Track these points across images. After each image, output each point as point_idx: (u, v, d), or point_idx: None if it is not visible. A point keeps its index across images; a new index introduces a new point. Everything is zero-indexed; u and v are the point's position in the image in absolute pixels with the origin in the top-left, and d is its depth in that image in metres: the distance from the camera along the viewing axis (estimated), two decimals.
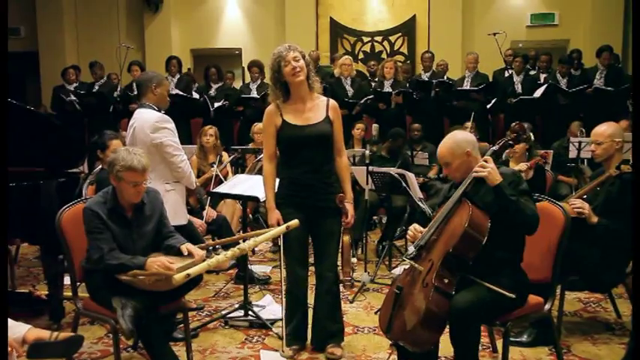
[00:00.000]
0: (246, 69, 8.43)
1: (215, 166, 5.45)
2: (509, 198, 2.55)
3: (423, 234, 2.71)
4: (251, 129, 6.74)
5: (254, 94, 7.80)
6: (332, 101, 3.14)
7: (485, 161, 2.63)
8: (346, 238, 3.07)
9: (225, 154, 5.95)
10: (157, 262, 2.77)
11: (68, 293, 3.32)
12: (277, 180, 3.20)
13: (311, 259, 3.25)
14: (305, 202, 3.06)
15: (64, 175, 3.87)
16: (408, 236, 2.80)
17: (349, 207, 3.11)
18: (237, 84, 9.41)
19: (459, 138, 2.73)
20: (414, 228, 2.76)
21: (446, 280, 2.51)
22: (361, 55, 10.20)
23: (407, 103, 7.52)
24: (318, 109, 3.08)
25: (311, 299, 3.25)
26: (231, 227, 5.09)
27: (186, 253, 2.93)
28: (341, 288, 3.62)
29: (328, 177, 3.08)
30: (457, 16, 9.81)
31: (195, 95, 7.97)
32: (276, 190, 3.16)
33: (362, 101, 7.40)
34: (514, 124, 4.67)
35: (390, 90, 7.47)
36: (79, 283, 3.04)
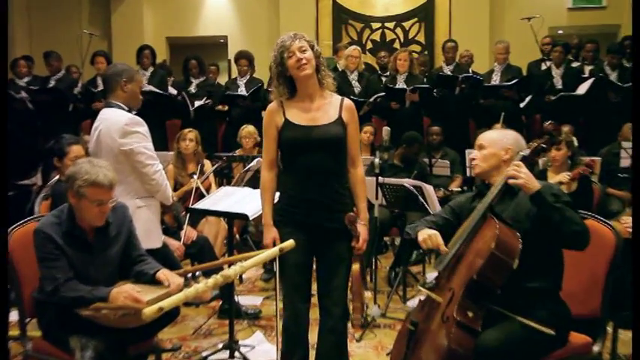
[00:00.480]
0: (232, 61, 8.47)
1: (195, 177, 5.47)
2: (552, 205, 2.54)
3: (441, 258, 2.71)
4: (238, 132, 6.78)
5: (242, 90, 7.84)
6: (347, 101, 3.14)
7: (518, 166, 2.64)
8: (355, 267, 3.04)
9: (207, 163, 5.97)
10: (122, 293, 2.77)
11: (15, 332, 3.30)
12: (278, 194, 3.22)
13: (313, 288, 3.23)
14: (308, 221, 3.05)
15: (13, 188, 3.88)
16: (421, 243, 2.79)
17: (362, 229, 3.08)
18: (223, 79, 9.43)
19: (512, 134, 2.85)
20: (435, 236, 2.75)
21: (470, 314, 2.49)
22: (370, 45, 10.26)
23: (424, 101, 7.56)
24: (328, 108, 3.10)
25: (312, 338, 3.18)
26: (214, 250, 5.09)
27: (161, 282, 2.93)
28: (348, 326, 3.57)
29: (338, 191, 3.08)
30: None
31: (172, 92, 8.00)
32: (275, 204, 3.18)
33: (371, 100, 7.44)
34: (547, 123, 4.68)
35: (404, 86, 7.50)
36: (28, 320, 3.04)
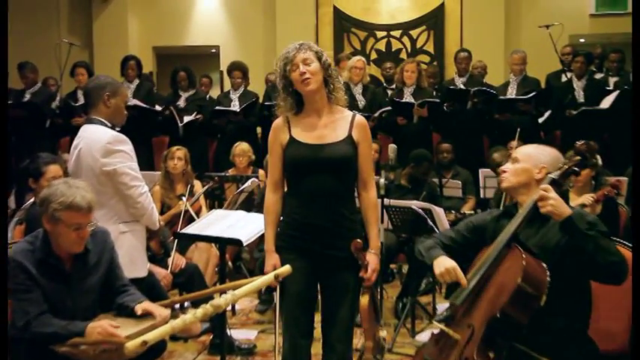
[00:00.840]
0: (224, 73, 8.52)
1: (184, 198, 5.48)
2: (585, 233, 2.50)
3: (459, 291, 2.69)
4: (231, 150, 6.81)
5: (235, 105, 7.87)
6: (359, 117, 3.15)
7: (546, 190, 2.62)
8: (364, 301, 3.00)
9: (197, 184, 5.99)
10: (97, 327, 2.75)
11: None
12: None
13: (317, 320, 3.21)
14: (312, 248, 3.06)
15: None
16: (438, 277, 2.78)
17: (371, 259, 3.08)
18: (214, 92, 9.48)
19: (551, 152, 2.85)
20: (454, 269, 2.74)
21: (492, 355, 2.47)
22: (374, 55, 10.34)
23: (434, 116, 7.60)
24: (338, 125, 3.12)
25: None
26: (204, 279, 5.08)
27: (145, 315, 2.92)
28: None
29: (346, 216, 3.09)
30: (498, 4, 9.97)
31: (159, 107, 8.04)
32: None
33: (376, 115, 7.47)
34: (579, 143, 4.69)
35: (412, 100, 7.55)
36: None
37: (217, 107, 7.81)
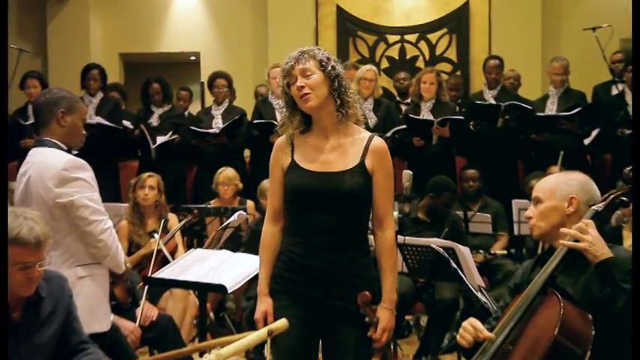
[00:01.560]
0: (206, 85, 8.54)
1: (157, 236, 5.47)
2: (620, 285, 2.53)
3: (486, 344, 2.70)
4: (214, 178, 6.83)
5: (218, 123, 7.86)
6: (378, 141, 3.17)
7: (585, 226, 2.64)
8: None
9: (173, 217, 6.01)
10: None
11: None
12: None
13: None
14: (311, 295, 3.08)
15: None
16: (459, 339, 2.79)
17: (383, 315, 3.06)
18: (195, 108, 9.50)
19: (575, 178, 2.86)
20: (471, 324, 2.78)
21: None
22: (385, 64, 10.37)
23: (457, 137, 7.61)
24: (349, 149, 3.15)
25: None
26: (180, 333, 5.06)
27: None
28: None
29: (354, 260, 3.11)
30: (534, 2, 10.03)
31: (128, 125, 8.07)
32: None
33: (388, 135, 7.47)
34: (628, 169, 4.70)
35: (431, 117, 7.56)
36: None
37: (192, 127, 7.79)
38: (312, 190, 3.07)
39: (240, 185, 6.84)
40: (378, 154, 3.13)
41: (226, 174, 6.74)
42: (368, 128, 7.34)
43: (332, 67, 3.10)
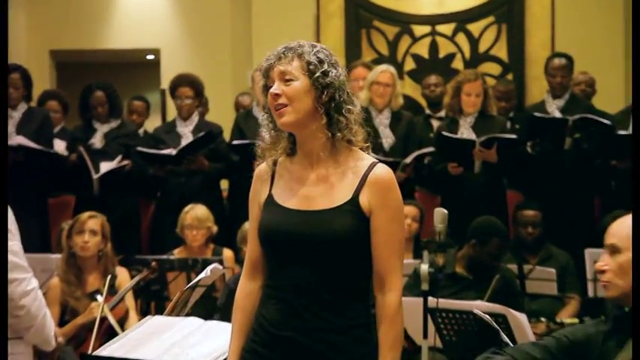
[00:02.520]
0: (167, 92, 8.52)
1: (101, 298, 5.43)
2: None
3: None
4: (179, 219, 6.81)
5: (187, 141, 7.82)
6: (380, 169, 3.16)
7: None
8: None
9: (122, 273, 6.02)
10: None
11: None
12: None
13: None
14: None
15: None
16: None
17: None
18: (153, 123, 9.49)
19: None
20: None
21: None
22: (410, 65, 10.44)
23: (509, 162, 7.62)
24: (340, 180, 3.16)
25: None
26: None
27: None
28: None
29: (342, 331, 3.12)
30: None
31: (60, 147, 8.04)
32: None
33: (410, 159, 7.50)
34: None
35: (472, 136, 7.57)
36: None
37: (139, 148, 7.77)
38: (285, 234, 3.11)
39: (215, 228, 6.85)
40: (380, 188, 3.12)
41: (195, 214, 6.74)
42: (381, 150, 7.40)
43: (323, 72, 3.09)
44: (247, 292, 3.22)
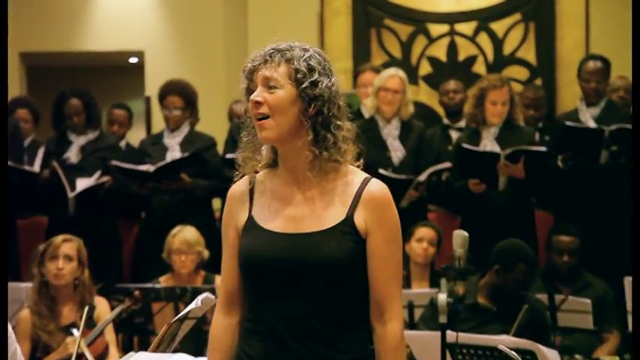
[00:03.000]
0: (154, 99, 8.55)
1: (77, 333, 5.43)
2: None
3: None
4: (166, 242, 6.84)
5: (174, 157, 7.92)
6: (375, 185, 3.16)
7: None
8: None
9: (101, 304, 6.03)
10: None
11: None
12: None
13: None
14: None
15: None
16: None
17: None
18: (137, 135, 9.54)
19: None
20: None
21: None
22: (426, 68, 10.48)
23: (537, 179, 7.63)
24: (331, 199, 3.16)
25: None
26: None
27: None
28: None
29: None
30: None
31: (31, 162, 8.10)
32: None
33: (424, 176, 7.55)
34: None
35: (497, 149, 7.59)
36: None
37: (114, 162, 7.78)
38: (271, 261, 3.09)
39: (206, 253, 6.84)
40: (375, 206, 3.13)
41: (184, 237, 6.75)
42: (390, 165, 7.46)
43: (312, 82, 3.07)
44: (224, 329, 3.22)
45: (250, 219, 3.16)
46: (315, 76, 3.07)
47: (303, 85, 3.05)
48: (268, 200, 3.17)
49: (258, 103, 3.04)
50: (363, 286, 3.13)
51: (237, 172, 3.24)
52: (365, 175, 3.16)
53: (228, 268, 3.23)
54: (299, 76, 3.06)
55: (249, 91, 3.11)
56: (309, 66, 3.08)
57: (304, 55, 3.08)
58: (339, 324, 3.12)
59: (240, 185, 3.22)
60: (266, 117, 3.04)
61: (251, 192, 3.19)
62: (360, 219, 3.09)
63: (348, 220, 3.09)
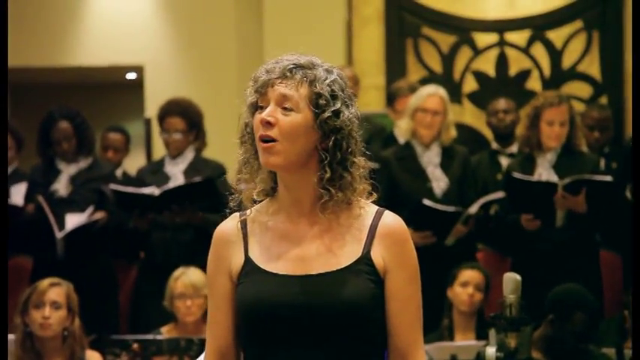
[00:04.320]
0: (154, 121, 8.60)
1: None
2: None
3: None
4: (167, 286, 6.88)
5: (178, 183, 7.92)
6: (390, 217, 3.19)
7: None
8: None
9: (94, 358, 6.04)
10: None
11: None
12: None
13: None
14: None
15: None
16: None
17: None
18: (135, 162, 9.57)
19: None
20: None
21: None
22: (471, 85, 10.54)
23: (602, 212, 7.63)
24: (343, 233, 3.17)
25: None
26: None
27: None
28: None
29: None
30: None
31: (18, 197, 8.11)
32: None
33: (475, 207, 7.57)
34: None
35: (554, 178, 7.60)
36: None
37: (112, 186, 7.80)
38: (282, 308, 3.08)
39: None
40: (394, 242, 3.15)
41: (189, 280, 6.77)
42: (430, 196, 7.48)
43: (335, 112, 3.07)
44: None
45: (248, 262, 3.15)
46: (338, 104, 3.07)
47: (325, 115, 3.05)
48: (268, 238, 3.16)
49: (269, 124, 3.04)
50: (383, 333, 3.13)
51: (230, 201, 3.25)
52: (376, 207, 3.18)
53: (218, 322, 3.22)
54: (320, 102, 3.06)
55: (257, 106, 3.11)
56: (332, 92, 3.08)
57: (328, 79, 3.08)
58: None
59: (229, 224, 3.23)
60: (273, 140, 3.03)
61: (244, 230, 3.20)
62: (377, 256, 3.11)
63: (365, 257, 3.10)
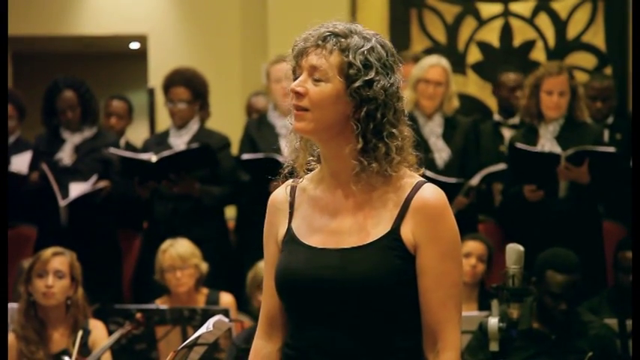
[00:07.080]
0: (158, 91, 8.56)
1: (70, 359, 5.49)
2: None
3: None
4: (156, 260, 6.85)
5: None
6: (428, 190, 3.12)
7: None
8: None
9: (98, 328, 6.02)
10: None
11: None
12: None
13: None
14: None
15: None
16: None
17: None
18: (139, 132, 9.58)
19: None
20: None
21: None
22: (475, 55, 10.50)
23: (604, 183, 7.62)
24: (378, 207, 3.15)
25: None
26: None
27: None
28: None
29: None
30: None
31: (17, 164, 8.12)
32: None
33: (477, 179, 7.57)
34: None
35: (557, 149, 7.58)
36: None
37: (112, 149, 7.79)
38: (308, 282, 3.10)
39: (204, 266, 6.81)
40: (427, 216, 3.09)
41: (176, 251, 6.75)
42: (432, 168, 7.41)
43: (367, 81, 3.04)
44: (262, 355, 3.25)
45: (289, 231, 3.17)
46: (371, 74, 3.03)
47: (355, 85, 3.02)
48: (309, 208, 3.18)
49: (298, 94, 3.04)
50: (411, 310, 3.10)
51: (283, 169, 3.22)
52: (419, 178, 3.15)
53: (268, 287, 3.25)
54: (351, 71, 3.02)
55: (295, 73, 3.10)
56: (366, 61, 3.04)
57: (363, 47, 3.04)
58: (386, 359, 3.11)
59: (281, 192, 3.23)
60: (305, 110, 3.03)
61: (292, 200, 3.20)
62: (407, 231, 3.07)
63: (394, 232, 3.07)
